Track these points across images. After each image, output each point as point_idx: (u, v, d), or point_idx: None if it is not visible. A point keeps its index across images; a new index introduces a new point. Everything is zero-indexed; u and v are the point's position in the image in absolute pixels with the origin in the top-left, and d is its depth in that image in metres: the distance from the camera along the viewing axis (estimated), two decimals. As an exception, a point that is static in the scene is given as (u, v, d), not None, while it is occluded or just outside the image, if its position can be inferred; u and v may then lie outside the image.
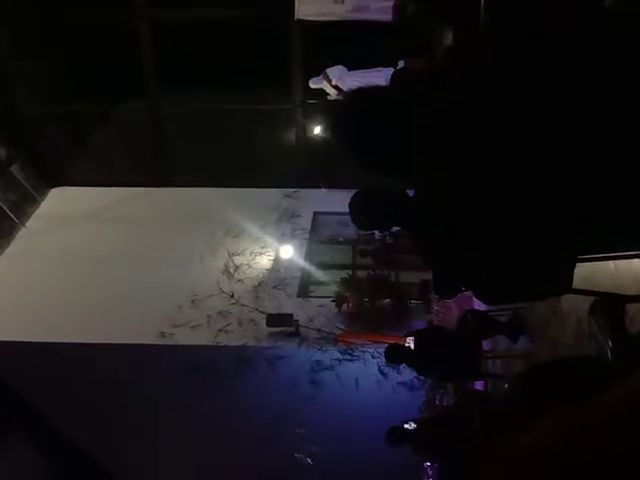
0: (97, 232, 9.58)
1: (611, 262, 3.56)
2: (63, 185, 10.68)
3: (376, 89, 2.05)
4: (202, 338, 8.27)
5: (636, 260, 3.45)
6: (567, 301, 4.52)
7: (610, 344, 2.08)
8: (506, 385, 2.11)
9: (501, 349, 6.57)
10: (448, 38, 7.50)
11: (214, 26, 9.87)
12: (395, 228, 3.70)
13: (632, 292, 3.46)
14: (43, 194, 10.51)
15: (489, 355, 6.46)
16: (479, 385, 6.48)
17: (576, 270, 2.73)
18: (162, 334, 8.23)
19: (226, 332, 8.37)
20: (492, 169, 1.88)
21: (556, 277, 2.78)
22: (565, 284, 2.88)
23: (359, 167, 2.03)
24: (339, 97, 9.09)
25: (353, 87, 2.00)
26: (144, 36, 9.77)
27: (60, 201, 10.39)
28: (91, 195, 10.32)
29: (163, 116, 10.36)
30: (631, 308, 2.94)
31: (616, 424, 0.84)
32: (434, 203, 2.97)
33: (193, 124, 10.47)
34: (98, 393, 8.39)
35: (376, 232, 8.27)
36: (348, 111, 1.97)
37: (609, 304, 2.19)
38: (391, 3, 8.33)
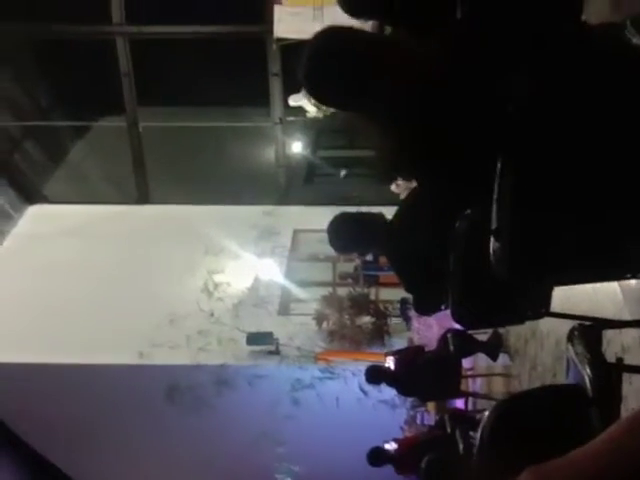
0: (75, 251, 9.48)
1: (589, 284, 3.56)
2: (41, 203, 10.59)
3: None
4: (181, 358, 8.20)
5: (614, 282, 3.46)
6: (546, 322, 4.53)
7: (588, 372, 2.07)
8: (485, 412, 2.09)
9: (481, 367, 6.58)
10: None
11: (194, 43, 9.88)
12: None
13: (609, 314, 3.47)
14: (20, 212, 10.40)
15: (469, 374, 6.46)
16: (460, 403, 6.47)
17: (554, 292, 2.73)
18: (141, 354, 8.15)
19: (206, 351, 8.30)
20: (463, 189, 1.87)
21: (534, 302, 2.79)
22: (543, 309, 2.88)
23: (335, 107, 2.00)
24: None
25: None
26: (123, 52, 9.74)
27: (38, 219, 10.29)
28: (69, 213, 10.22)
29: (142, 133, 10.31)
30: (608, 331, 2.95)
31: None
32: (413, 224, 2.97)
33: (172, 141, 10.43)
34: (76, 413, 8.29)
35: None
36: (325, 51, 1.87)
37: (586, 331, 2.19)
38: (370, 22, 8.35)
